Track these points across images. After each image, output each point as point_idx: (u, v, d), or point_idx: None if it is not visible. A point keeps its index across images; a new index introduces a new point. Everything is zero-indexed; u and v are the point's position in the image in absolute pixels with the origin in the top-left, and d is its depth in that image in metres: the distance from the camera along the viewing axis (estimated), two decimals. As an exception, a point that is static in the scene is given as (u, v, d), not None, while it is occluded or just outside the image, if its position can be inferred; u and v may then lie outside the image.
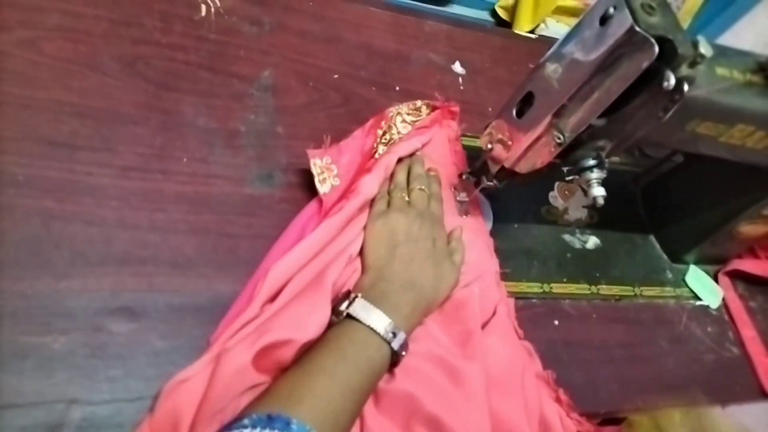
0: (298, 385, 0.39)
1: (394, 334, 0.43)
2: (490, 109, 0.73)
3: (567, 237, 0.67)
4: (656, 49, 0.37)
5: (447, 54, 0.76)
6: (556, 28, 1.46)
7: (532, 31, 1.24)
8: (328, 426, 0.37)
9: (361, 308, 0.44)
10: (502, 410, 0.47)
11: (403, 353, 0.44)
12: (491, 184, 0.54)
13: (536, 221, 0.66)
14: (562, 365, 0.55)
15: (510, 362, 0.50)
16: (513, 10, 1.47)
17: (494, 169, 0.52)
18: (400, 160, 0.58)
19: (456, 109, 0.65)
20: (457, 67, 0.76)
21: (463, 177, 0.59)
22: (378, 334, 0.43)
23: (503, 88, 0.76)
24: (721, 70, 0.44)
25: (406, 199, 0.55)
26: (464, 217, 0.59)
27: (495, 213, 0.62)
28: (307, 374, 0.40)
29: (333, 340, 0.43)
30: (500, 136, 0.50)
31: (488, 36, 0.84)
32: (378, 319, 0.43)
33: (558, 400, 0.52)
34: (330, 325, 0.44)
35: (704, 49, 0.39)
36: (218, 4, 0.63)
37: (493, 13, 1.46)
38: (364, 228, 0.52)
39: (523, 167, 0.50)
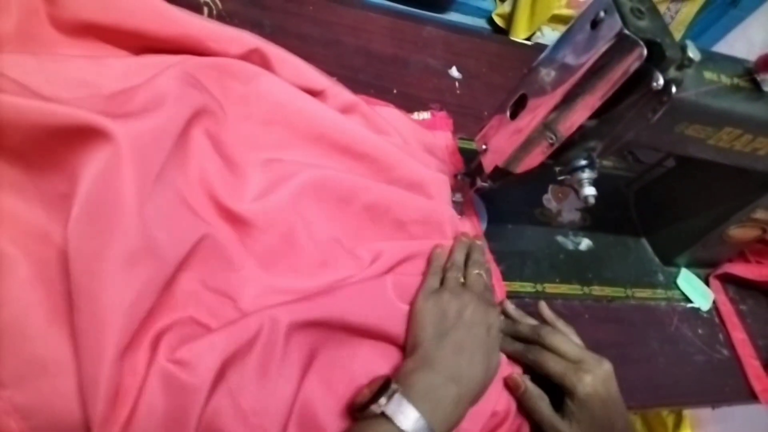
0: None
1: None
2: (485, 113, 0.74)
3: (560, 238, 0.68)
4: (645, 51, 0.38)
5: (444, 59, 0.78)
6: (552, 35, 1.47)
7: (528, 39, 1.26)
8: None
9: (397, 407, 0.38)
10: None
11: None
12: (486, 184, 0.55)
13: (530, 223, 0.67)
14: (555, 363, 0.56)
15: None
16: (510, 18, 1.49)
17: (488, 169, 0.53)
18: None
19: (450, 121, 0.68)
20: (454, 72, 0.77)
21: (458, 178, 0.60)
22: None
23: (499, 92, 0.78)
24: (708, 74, 0.46)
25: (462, 281, 0.51)
26: (460, 217, 0.60)
27: (489, 215, 0.63)
28: None
29: None
30: (494, 137, 0.52)
31: (485, 42, 0.86)
32: (413, 422, 0.38)
33: None
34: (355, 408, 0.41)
35: (692, 53, 0.41)
36: (220, 6, 0.64)
37: (490, 21, 1.48)
38: (411, 304, 0.48)
39: (516, 167, 0.51)
